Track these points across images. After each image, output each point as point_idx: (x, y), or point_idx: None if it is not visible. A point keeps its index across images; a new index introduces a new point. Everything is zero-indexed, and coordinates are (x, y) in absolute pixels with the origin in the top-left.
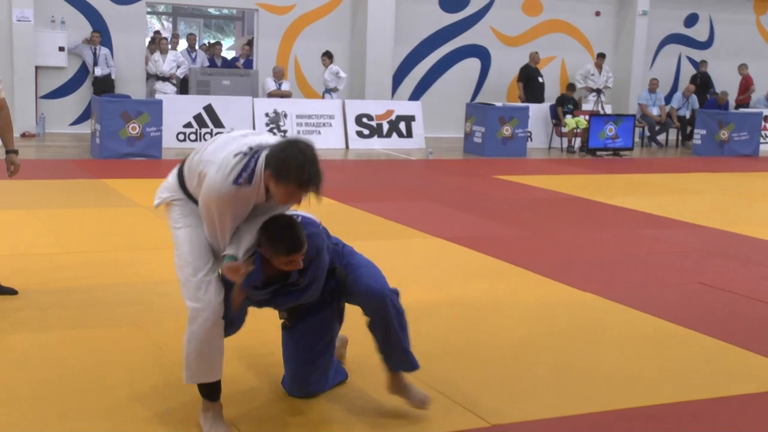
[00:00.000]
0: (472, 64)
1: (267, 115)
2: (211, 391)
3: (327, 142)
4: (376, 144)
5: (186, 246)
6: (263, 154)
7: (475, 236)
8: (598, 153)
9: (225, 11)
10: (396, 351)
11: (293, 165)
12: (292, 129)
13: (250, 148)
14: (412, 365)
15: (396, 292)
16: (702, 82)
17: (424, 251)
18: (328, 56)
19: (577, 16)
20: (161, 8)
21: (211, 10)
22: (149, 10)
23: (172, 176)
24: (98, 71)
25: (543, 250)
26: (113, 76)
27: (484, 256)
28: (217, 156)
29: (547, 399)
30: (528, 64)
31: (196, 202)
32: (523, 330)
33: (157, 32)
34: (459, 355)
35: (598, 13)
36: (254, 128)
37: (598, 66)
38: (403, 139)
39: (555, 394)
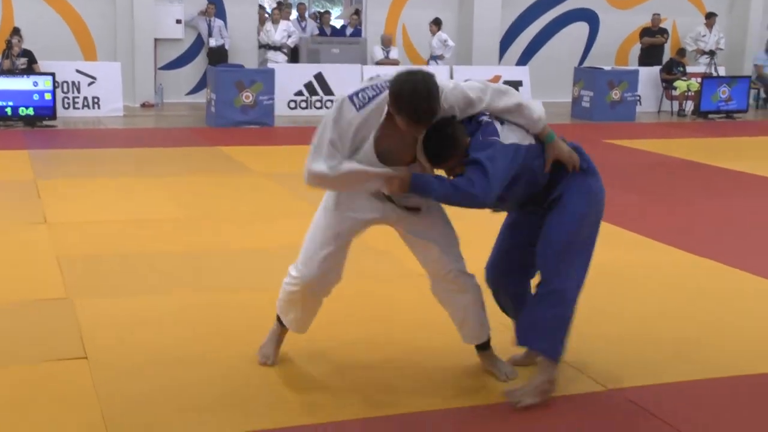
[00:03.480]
0: (580, 28)
1: None
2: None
3: None
4: None
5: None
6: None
7: None
8: (711, 116)
9: None
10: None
11: (405, 98)
12: None
13: (378, 75)
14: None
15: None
16: None
17: None
18: (436, 24)
19: None
20: None
21: None
22: None
23: None
24: (213, 42)
25: (661, 215)
26: (227, 47)
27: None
28: None
29: (665, 365)
30: (648, 27)
31: None
32: (644, 297)
33: (279, 3)
34: (577, 321)
35: None
36: None
37: (709, 26)
38: None
39: (675, 359)
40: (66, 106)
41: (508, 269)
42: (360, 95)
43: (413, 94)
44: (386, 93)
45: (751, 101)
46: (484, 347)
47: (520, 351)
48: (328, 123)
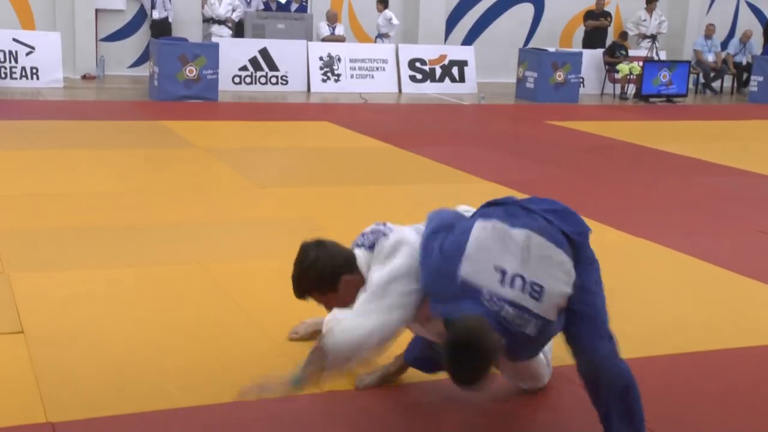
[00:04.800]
0: (526, 9)
1: (321, 59)
2: None
3: (380, 86)
4: (429, 88)
5: None
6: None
7: (527, 180)
8: (652, 99)
9: None
10: None
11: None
12: (346, 73)
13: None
14: None
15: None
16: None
17: (477, 196)
18: (382, 2)
19: None
20: None
21: None
22: None
23: None
24: (156, 14)
25: (594, 194)
26: (170, 20)
27: None
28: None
29: None
30: (592, 10)
31: None
32: None
33: None
34: None
35: None
36: (308, 71)
37: (649, 11)
38: (456, 84)
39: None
40: (3, 75)
41: None
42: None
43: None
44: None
45: (691, 86)
46: None
47: None
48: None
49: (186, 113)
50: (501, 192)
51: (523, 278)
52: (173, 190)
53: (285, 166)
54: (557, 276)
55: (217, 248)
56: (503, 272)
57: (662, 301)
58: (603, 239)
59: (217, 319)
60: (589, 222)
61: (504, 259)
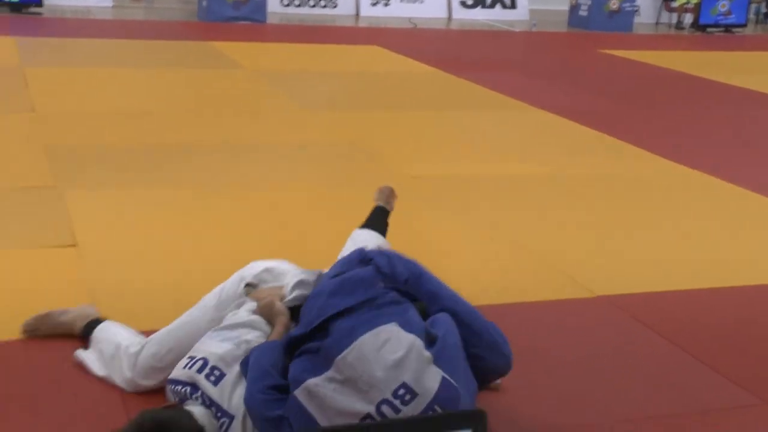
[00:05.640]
0: None
1: None
2: None
3: (429, 11)
4: (480, 14)
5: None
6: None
7: (579, 110)
8: (709, 30)
9: None
10: None
11: None
12: None
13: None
14: None
15: None
16: None
17: (526, 123)
18: None
19: None
20: None
21: None
22: None
23: None
24: None
25: (648, 126)
26: None
27: (588, 130)
28: None
29: (648, 274)
30: None
31: None
32: (626, 205)
33: None
34: (565, 231)
35: None
36: None
37: None
38: (507, 11)
39: (656, 269)
40: None
41: None
42: None
43: None
44: None
45: (751, 15)
46: None
47: None
48: None
49: (234, 34)
50: (550, 120)
51: None
52: (221, 111)
53: (333, 90)
54: None
55: (263, 171)
56: None
57: (718, 233)
58: (657, 170)
59: (263, 242)
60: (642, 153)
61: None
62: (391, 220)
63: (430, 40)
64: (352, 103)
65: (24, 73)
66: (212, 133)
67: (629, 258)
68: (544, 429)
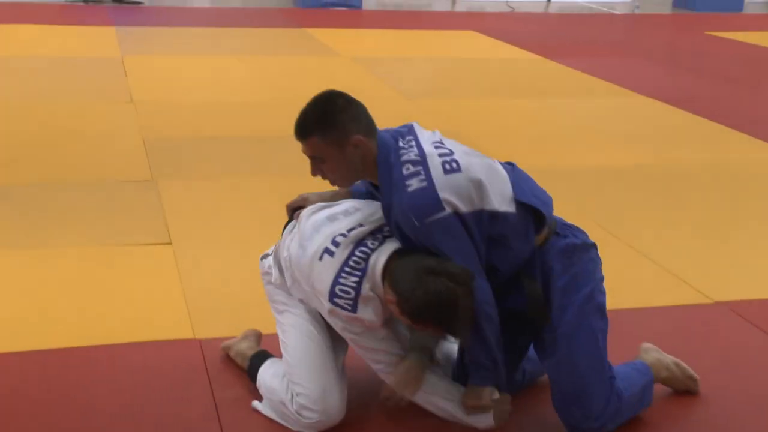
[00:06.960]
0: None
1: None
2: None
3: None
4: None
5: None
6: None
7: (687, 96)
8: None
9: None
10: None
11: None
12: None
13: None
14: None
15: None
16: None
17: (633, 111)
18: None
19: None
20: None
21: None
22: None
23: None
24: None
25: (761, 111)
26: None
27: (698, 118)
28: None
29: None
30: None
31: None
32: (738, 196)
33: None
34: (681, 234)
35: None
36: None
37: None
38: None
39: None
40: None
41: None
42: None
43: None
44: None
45: None
46: None
47: None
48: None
49: (330, 21)
50: (657, 108)
51: None
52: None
53: (432, 77)
54: None
55: None
56: None
57: None
58: None
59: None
60: (753, 141)
61: None
62: None
63: (528, 24)
64: (451, 90)
65: (123, 62)
66: None
67: (746, 261)
68: None
